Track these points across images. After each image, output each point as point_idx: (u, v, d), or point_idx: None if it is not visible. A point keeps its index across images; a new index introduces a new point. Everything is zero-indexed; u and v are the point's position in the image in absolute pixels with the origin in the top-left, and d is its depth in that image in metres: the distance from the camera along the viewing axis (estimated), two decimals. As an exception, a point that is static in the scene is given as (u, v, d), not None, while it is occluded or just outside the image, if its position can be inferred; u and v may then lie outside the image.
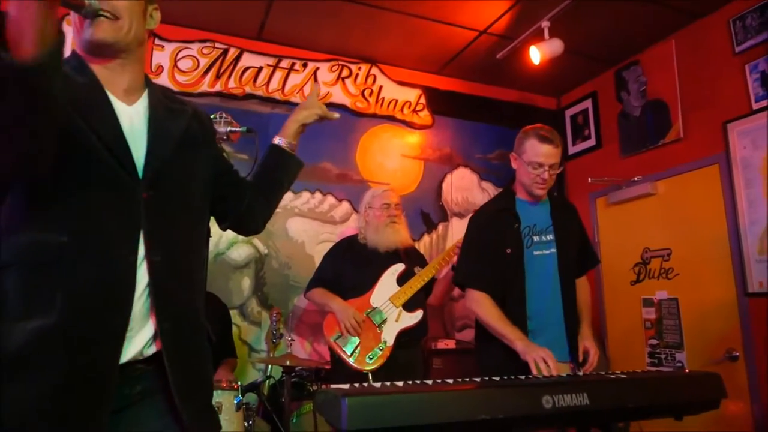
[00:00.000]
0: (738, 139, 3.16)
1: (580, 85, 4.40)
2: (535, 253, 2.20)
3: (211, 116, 1.62)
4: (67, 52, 1.19)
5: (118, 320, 1.10)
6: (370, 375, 2.58)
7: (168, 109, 1.31)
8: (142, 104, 1.27)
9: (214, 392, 1.80)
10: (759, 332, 3.01)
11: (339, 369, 2.74)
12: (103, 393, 1.06)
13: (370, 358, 2.66)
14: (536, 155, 2.16)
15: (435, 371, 3.20)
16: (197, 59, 3.50)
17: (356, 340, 2.70)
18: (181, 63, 3.46)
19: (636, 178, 3.78)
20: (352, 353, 2.68)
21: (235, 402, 1.80)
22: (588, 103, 4.32)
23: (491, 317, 2.10)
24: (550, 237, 2.24)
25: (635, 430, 3.49)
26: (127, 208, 1.13)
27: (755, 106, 3.06)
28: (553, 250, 2.23)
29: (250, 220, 1.54)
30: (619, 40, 3.72)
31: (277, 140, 1.64)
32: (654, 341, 3.63)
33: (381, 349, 2.69)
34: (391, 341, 2.71)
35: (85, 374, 1.05)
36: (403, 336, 2.74)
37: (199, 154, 1.35)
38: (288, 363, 2.21)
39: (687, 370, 2.53)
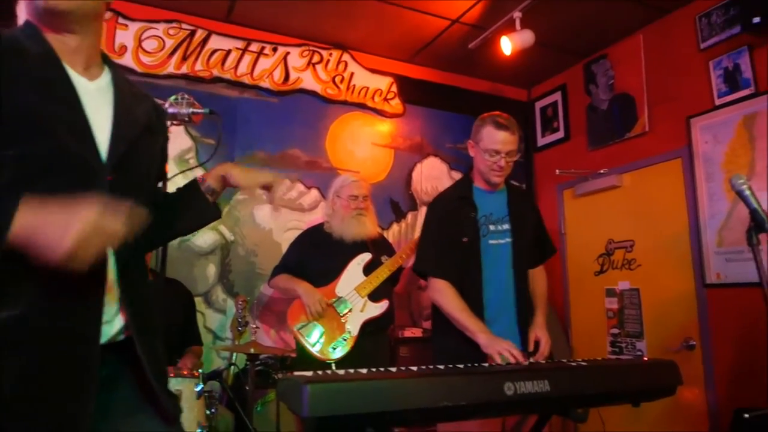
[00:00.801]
0: (700, 134, 3.24)
1: (550, 77, 4.44)
2: (491, 242, 2.21)
3: (173, 97, 1.57)
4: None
5: (93, 303, 1.08)
6: (333, 365, 2.57)
7: (132, 92, 1.27)
8: (104, 80, 1.22)
9: (174, 380, 1.77)
10: (715, 322, 3.11)
11: (304, 358, 2.73)
12: (85, 377, 1.05)
13: (334, 348, 2.65)
14: (493, 142, 2.16)
15: (402, 359, 3.22)
16: (163, 40, 3.41)
17: (320, 329, 2.69)
18: (146, 43, 3.36)
19: (602, 171, 3.85)
20: (315, 342, 2.67)
21: (196, 390, 1.77)
22: (557, 96, 4.37)
23: (453, 308, 2.11)
24: (506, 226, 2.24)
25: (594, 417, 3.59)
26: (93, 191, 1.09)
27: (718, 102, 3.14)
28: (509, 239, 2.23)
29: None
30: (589, 34, 3.77)
31: (201, 177, 1.41)
32: (616, 330, 3.72)
33: (345, 339, 2.68)
34: (355, 331, 2.70)
35: (66, 359, 1.03)
36: (369, 326, 2.74)
37: (157, 144, 1.32)
38: (252, 351, 2.18)
39: (645, 359, 2.60)
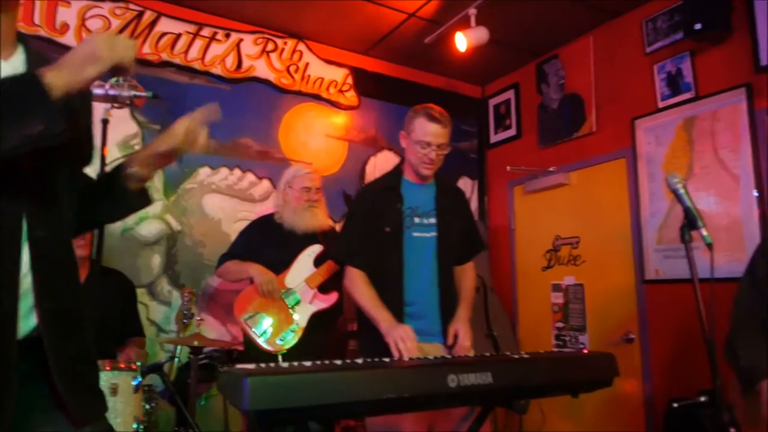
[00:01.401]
0: (644, 135, 3.36)
1: (504, 75, 4.51)
2: (414, 234, 2.19)
3: (113, 78, 1.49)
4: None
5: (7, 298, 1.04)
6: (280, 357, 2.54)
7: None
8: (18, 59, 1.15)
9: (110, 373, 1.71)
10: (653, 317, 3.24)
11: (251, 350, 2.69)
12: (1, 376, 1.01)
13: (282, 340, 2.63)
14: (424, 134, 2.15)
15: (350, 353, 3.21)
16: (108, 20, 3.27)
17: (268, 320, 2.66)
18: (90, 23, 3.21)
19: (551, 169, 3.95)
20: (262, 333, 2.64)
21: (133, 384, 1.71)
22: (511, 94, 4.45)
23: (362, 296, 2.12)
24: (432, 220, 2.23)
25: (534, 408, 3.69)
26: (8, 181, 1.04)
27: (661, 105, 3.26)
28: (434, 233, 2.22)
29: None
30: (542, 34, 3.84)
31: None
32: (560, 324, 3.83)
33: (293, 331, 2.66)
34: (303, 323, 2.68)
35: None
36: (317, 318, 2.72)
37: (77, 129, 1.25)
38: (196, 343, 2.13)
39: (585, 351, 2.68)
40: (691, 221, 1.49)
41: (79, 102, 1.21)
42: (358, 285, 2.14)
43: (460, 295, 2.28)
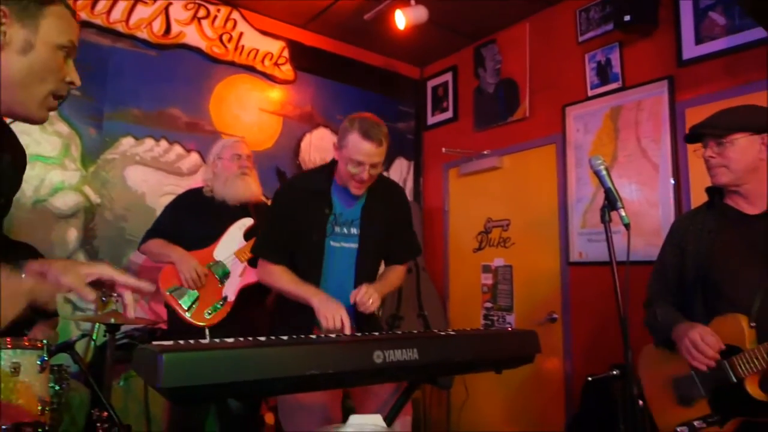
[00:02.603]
0: (573, 122, 3.48)
1: (442, 57, 4.53)
2: (333, 243, 2.09)
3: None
4: None
5: None
6: (207, 331, 2.47)
7: None
8: None
9: (12, 352, 1.59)
10: (576, 297, 3.39)
11: (177, 327, 2.60)
12: None
13: (209, 313, 2.55)
14: (357, 153, 1.99)
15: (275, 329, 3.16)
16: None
17: (194, 293, 2.57)
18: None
19: (485, 152, 4.02)
20: (189, 307, 2.55)
21: (38, 363, 1.60)
22: (449, 76, 4.48)
23: (285, 282, 2.04)
24: (354, 231, 2.13)
25: (460, 385, 3.80)
26: None
27: (590, 93, 3.38)
28: (354, 245, 2.12)
29: None
30: (480, 18, 3.87)
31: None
32: (489, 304, 3.94)
33: (221, 305, 2.59)
34: (232, 297, 2.62)
35: None
36: (248, 293, 2.66)
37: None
38: (113, 321, 2.02)
39: (509, 329, 2.77)
40: (611, 202, 1.54)
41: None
42: (277, 274, 2.07)
43: (377, 279, 2.18)
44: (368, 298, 1.97)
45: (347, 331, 1.88)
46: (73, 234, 3.05)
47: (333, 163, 2.19)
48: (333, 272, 2.10)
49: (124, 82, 3.26)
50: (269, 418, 2.90)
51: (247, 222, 2.75)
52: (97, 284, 1.11)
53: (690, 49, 2.93)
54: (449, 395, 4.02)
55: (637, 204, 3.08)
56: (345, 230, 2.12)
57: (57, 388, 1.79)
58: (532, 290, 3.68)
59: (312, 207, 2.10)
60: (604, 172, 1.58)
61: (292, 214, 2.10)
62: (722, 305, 1.85)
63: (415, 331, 1.92)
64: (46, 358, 1.65)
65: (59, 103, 1.16)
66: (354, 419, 1.01)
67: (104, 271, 1.11)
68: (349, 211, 2.14)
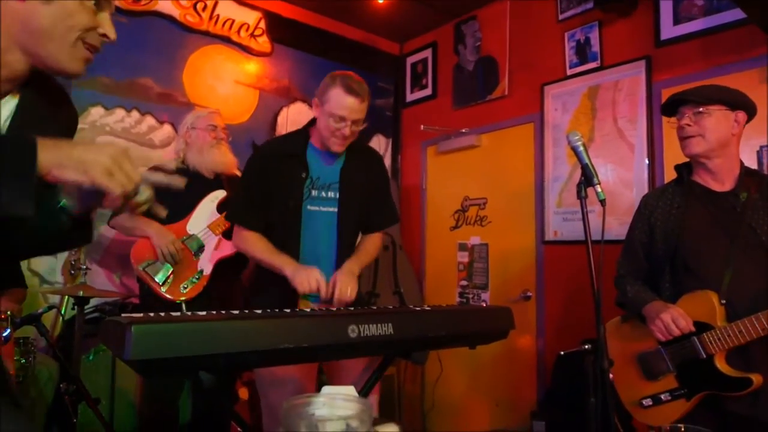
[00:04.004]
0: (552, 101, 3.48)
1: (422, 33, 4.47)
2: (310, 207, 2.06)
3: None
4: None
5: None
6: (183, 305, 2.44)
7: None
8: (10, 103, 1.03)
9: (-25, 324, 1.54)
10: (550, 276, 3.43)
11: (150, 302, 2.56)
12: None
13: (185, 288, 2.52)
14: (339, 107, 1.97)
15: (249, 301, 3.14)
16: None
17: (169, 267, 2.53)
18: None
19: (463, 130, 4.00)
20: (164, 282, 2.51)
21: (3, 336, 1.55)
22: (428, 53, 4.43)
23: (260, 250, 2.02)
24: (332, 194, 2.10)
25: (434, 360, 3.84)
26: None
27: (569, 72, 3.38)
28: (334, 208, 2.10)
29: None
30: (462, -7, 3.82)
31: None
32: (464, 282, 3.96)
33: (197, 279, 2.56)
34: (208, 270, 2.59)
35: None
36: (223, 266, 2.63)
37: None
38: (81, 294, 1.97)
39: (484, 305, 2.80)
40: (587, 178, 1.55)
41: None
42: (252, 241, 2.04)
43: (354, 252, 2.16)
44: (345, 288, 1.94)
45: (323, 291, 1.87)
46: (40, 206, 2.95)
47: (308, 126, 2.16)
48: (312, 237, 2.07)
49: (94, 50, 3.14)
50: (243, 393, 2.90)
51: (220, 194, 2.71)
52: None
53: (668, 30, 2.94)
54: (423, 370, 4.06)
55: (612, 184, 3.11)
56: (323, 194, 2.09)
57: (23, 361, 1.75)
58: (507, 268, 3.71)
59: (287, 171, 2.06)
60: (581, 148, 1.58)
61: (266, 178, 2.07)
62: (691, 281, 1.88)
63: (391, 307, 1.92)
64: (9, 330, 1.61)
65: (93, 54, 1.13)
66: (326, 389, 1.01)
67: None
68: (327, 174, 2.11)
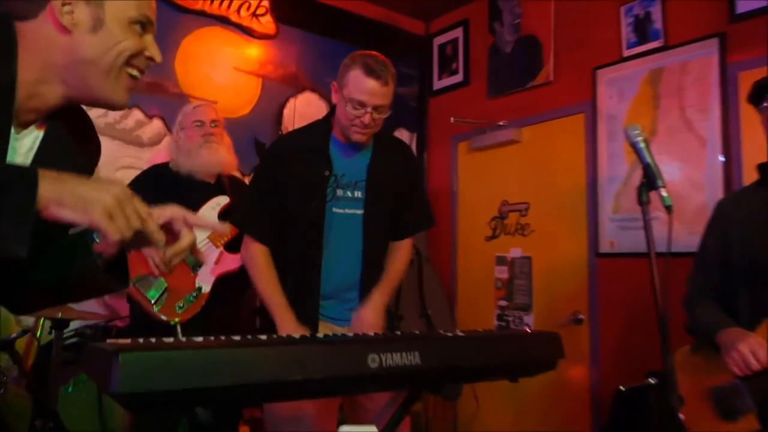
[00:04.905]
0: (606, 87, 3.46)
1: (451, 10, 4.49)
2: (335, 210, 2.11)
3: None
4: None
5: None
6: (179, 328, 2.48)
7: None
8: (33, 136, 1.11)
9: (-60, 350, 1.58)
10: (605, 295, 3.40)
11: (141, 324, 2.60)
12: None
13: (180, 307, 2.55)
14: (359, 91, 2.00)
15: (260, 332, 3.17)
16: None
17: (163, 283, 2.57)
18: None
19: (501, 123, 4.00)
20: (157, 300, 2.55)
21: (-28, 364, 1.59)
22: (459, 32, 4.44)
23: (264, 280, 2.08)
24: (359, 194, 2.14)
25: (469, 394, 3.82)
26: None
27: (626, 54, 3.35)
28: (360, 210, 2.14)
29: None
30: (498, -38, 3.83)
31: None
32: (503, 303, 3.94)
33: (194, 297, 2.59)
34: (207, 288, 2.62)
35: None
36: (224, 283, 2.66)
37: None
38: (60, 316, 2.02)
39: (527, 330, 2.78)
40: (650, 180, 1.54)
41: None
42: (259, 263, 2.09)
43: (383, 275, 2.20)
44: (371, 330, 2.00)
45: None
46: (13, 214, 3.02)
47: (330, 116, 2.19)
48: (337, 244, 2.10)
49: (73, 34, 3.21)
50: (245, 432, 2.92)
51: (222, 200, 2.74)
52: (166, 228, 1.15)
53: (745, 1, 2.90)
54: (456, 407, 4.04)
55: (679, 186, 3.08)
56: (349, 193, 2.12)
57: (-7, 394, 1.79)
58: (554, 286, 3.68)
59: (307, 168, 2.10)
60: (642, 145, 1.57)
61: (284, 177, 2.10)
62: (773, 302, 1.85)
63: (417, 332, 1.92)
64: (-20, 359, 1.65)
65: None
66: (344, 429, 1.01)
67: (175, 212, 1.18)
68: (353, 170, 2.14)
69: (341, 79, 2.08)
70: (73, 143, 1.22)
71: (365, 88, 2.00)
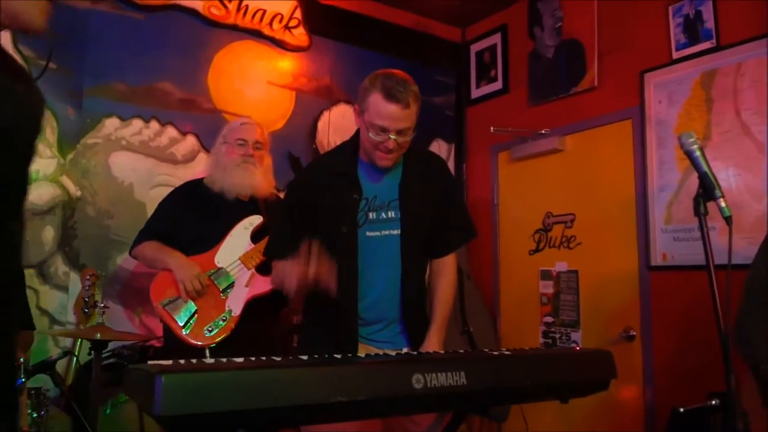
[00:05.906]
0: (654, 92, 3.41)
1: (489, 15, 4.50)
2: (369, 234, 2.10)
3: None
4: None
5: None
6: (208, 351, 2.51)
7: None
8: None
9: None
10: (659, 310, 3.33)
11: (172, 345, 2.65)
12: None
13: (210, 330, 2.59)
14: (380, 117, 1.97)
15: (295, 351, 3.19)
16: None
17: (192, 306, 2.62)
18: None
19: (543, 131, 3.98)
20: (186, 323, 2.59)
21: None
22: (497, 38, 4.44)
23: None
24: (393, 214, 2.13)
25: (516, 415, 3.78)
26: None
27: (675, 56, 3.31)
28: (396, 231, 2.13)
29: None
30: (537, -36, 3.83)
31: None
32: (550, 319, 3.90)
33: (224, 320, 2.62)
34: (237, 310, 2.65)
35: None
36: (256, 305, 2.69)
37: None
38: (98, 336, 2.07)
39: (576, 348, 2.75)
40: (707, 190, 1.51)
41: None
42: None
43: (433, 308, 2.19)
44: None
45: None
46: (49, 233, 3.12)
47: (356, 137, 2.19)
48: (374, 268, 2.11)
49: (106, 51, 3.31)
50: (284, 455, 2.93)
51: (255, 220, 2.78)
52: None
53: (804, -2, 2.84)
54: (503, 429, 4.00)
55: (737, 193, 3.02)
56: (383, 215, 2.12)
57: (35, 415, 1.84)
58: (602, 301, 3.63)
59: (336, 194, 2.11)
60: (698, 153, 1.55)
61: (312, 203, 2.12)
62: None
63: (462, 351, 1.92)
64: (23, 380, 1.70)
65: None
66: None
67: None
68: (384, 191, 2.14)
69: (361, 103, 2.06)
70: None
71: (386, 113, 1.97)
